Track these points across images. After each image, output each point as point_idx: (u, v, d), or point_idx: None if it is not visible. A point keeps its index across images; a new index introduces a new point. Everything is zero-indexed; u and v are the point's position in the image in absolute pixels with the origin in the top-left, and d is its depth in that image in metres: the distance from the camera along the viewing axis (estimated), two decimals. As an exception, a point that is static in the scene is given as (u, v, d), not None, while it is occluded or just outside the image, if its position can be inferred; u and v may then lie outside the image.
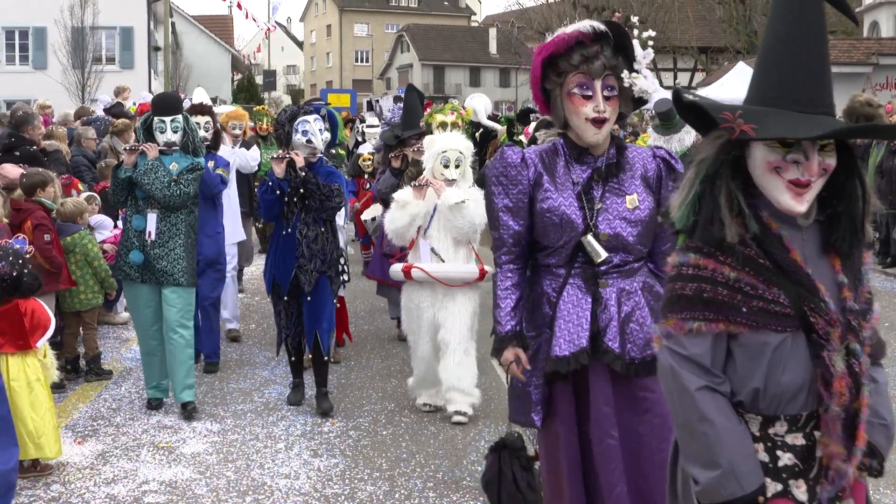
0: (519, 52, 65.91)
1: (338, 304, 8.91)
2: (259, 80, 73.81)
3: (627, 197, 4.64)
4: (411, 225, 8.34)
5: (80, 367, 9.55)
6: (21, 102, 15.45)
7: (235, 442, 7.73)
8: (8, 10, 43.60)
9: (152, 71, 46.79)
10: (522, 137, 10.50)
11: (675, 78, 55.75)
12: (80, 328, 9.62)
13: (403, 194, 8.43)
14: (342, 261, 8.69)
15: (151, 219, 8.23)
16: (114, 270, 8.79)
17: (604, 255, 4.56)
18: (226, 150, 11.06)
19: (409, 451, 7.54)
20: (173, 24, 49.09)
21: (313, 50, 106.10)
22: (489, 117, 14.73)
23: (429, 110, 9.87)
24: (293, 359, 8.73)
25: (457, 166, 8.34)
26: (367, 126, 15.90)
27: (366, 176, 14.00)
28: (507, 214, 4.64)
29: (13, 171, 9.30)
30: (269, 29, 61.92)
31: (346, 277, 8.78)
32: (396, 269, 8.42)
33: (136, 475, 7.01)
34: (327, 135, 8.54)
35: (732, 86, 32.06)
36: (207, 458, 7.37)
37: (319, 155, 8.44)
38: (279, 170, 8.17)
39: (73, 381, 9.34)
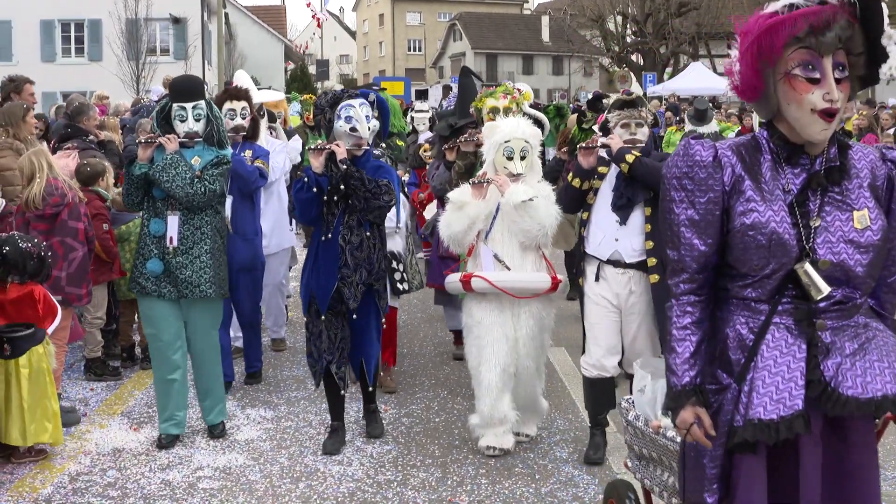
0: (571, 40, 65.83)
1: (384, 324, 7.64)
2: (312, 69, 73.99)
3: (855, 213, 3.55)
4: (470, 229, 7.18)
5: (135, 355, 9.62)
6: (76, 93, 15.65)
7: (289, 429, 7.77)
8: (63, 3, 44.32)
9: (206, 62, 47.08)
10: (596, 127, 9.51)
11: (730, 64, 55.26)
12: (136, 316, 9.69)
13: (460, 194, 7.27)
14: (401, 267, 7.86)
15: (172, 222, 7.17)
16: (130, 283, 7.53)
17: (826, 289, 3.50)
18: (275, 142, 9.97)
19: (461, 437, 7.55)
20: (226, 15, 49.32)
21: (366, 39, 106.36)
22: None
23: (480, 94, 9.17)
24: (343, 392, 7.35)
25: (522, 158, 7.15)
26: (416, 111, 15.69)
27: (427, 167, 13.58)
28: (691, 230, 3.62)
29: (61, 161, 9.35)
30: (318, 20, 62.16)
31: (404, 287, 7.98)
32: (453, 279, 7.31)
33: (191, 461, 7.07)
34: (375, 123, 7.24)
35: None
36: (261, 444, 7.41)
37: (366, 147, 7.22)
38: (317, 163, 7.00)
39: (128, 369, 9.42)
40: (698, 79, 41.11)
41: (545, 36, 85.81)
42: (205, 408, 7.61)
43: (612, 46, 61.41)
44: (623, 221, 6.81)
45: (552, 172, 11.08)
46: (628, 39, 61.40)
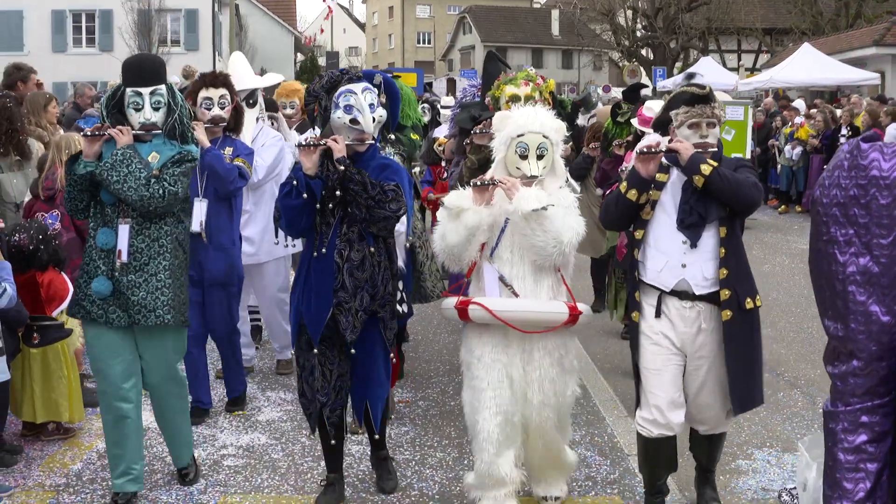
0: (581, 34, 65.81)
1: (394, 360, 6.39)
2: (322, 61, 74.13)
3: None
4: (470, 242, 5.70)
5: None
6: (82, 83, 15.90)
7: (309, 410, 7.95)
8: (76, -7, 44.55)
9: (217, 53, 47.28)
10: (635, 121, 8.85)
11: (740, 59, 55.43)
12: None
13: (457, 198, 5.76)
14: (399, 285, 6.44)
15: (123, 232, 5.87)
16: (70, 306, 6.22)
17: None
18: (270, 134, 8.78)
19: (476, 420, 7.72)
20: (237, 6, 49.52)
21: (375, 31, 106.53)
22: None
23: (497, 81, 8.11)
24: (333, 442, 6.18)
25: (539, 157, 5.73)
26: (442, 107, 15.57)
27: (443, 163, 12.01)
28: (864, 290, 2.32)
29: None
30: (330, 10, 62.87)
31: (403, 309, 6.71)
32: (448, 305, 5.88)
33: (215, 440, 7.28)
34: (382, 112, 6.05)
35: (798, 67, 32.12)
36: (282, 425, 7.60)
37: (370, 142, 5.98)
38: (309, 163, 5.75)
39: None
40: (708, 74, 41.21)
41: (555, 30, 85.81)
42: (174, 448, 6.52)
43: (622, 41, 61.50)
44: (693, 244, 5.56)
45: (578, 170, 10.36)
46: (638, 34, 61.46)
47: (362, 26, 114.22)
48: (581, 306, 5.76)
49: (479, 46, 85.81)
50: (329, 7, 63.32)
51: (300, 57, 71.90)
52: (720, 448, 6.07)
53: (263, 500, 6.28)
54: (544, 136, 5.76)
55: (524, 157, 5.73)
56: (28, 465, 6.77)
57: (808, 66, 32.04)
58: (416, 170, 10.43)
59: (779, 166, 23.09)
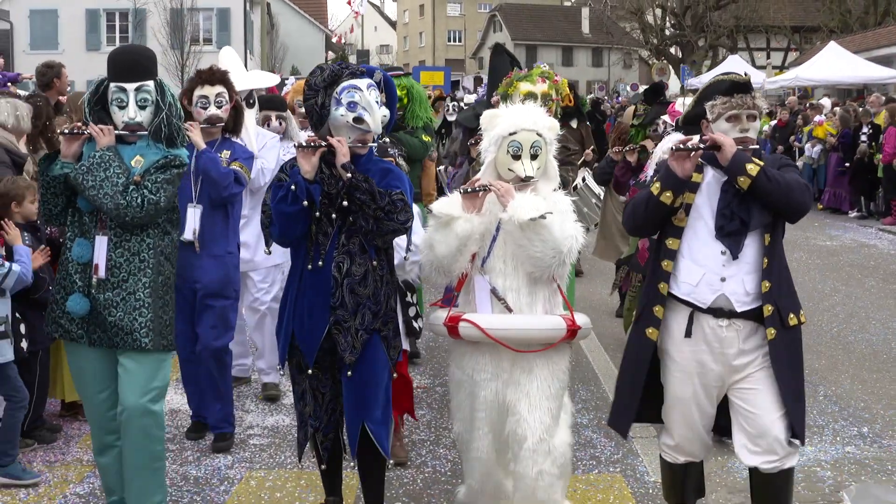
0: (611, 32, 66.02)
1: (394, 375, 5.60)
2: (353, 59, 74.61)
3: None
4: (460, 252, 5.22)
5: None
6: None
7: (331, 395, 8.33)
8: (109, -8, 45.18)
9: (248, 52, 47.82)
10: (667, 118, 8.63)
11: (768, 57, 55.51)
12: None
13: (447, 205, 5.27)
14: (415, 299, 6.12)
15: (100, 245, 5.23)
16: (48, 323, 5.45)
17: None
18: (267, 135, 8.29)
19: (490, 404, 8.08)
20: (268, 5, 50.09)
21: (406, 30, 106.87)
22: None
23: (507, 79, 7.73)
24: (324, 466, 5.64)
25: (533, 157, 5.26)
26: (465, 105, 15.58)
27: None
28: None
29: None
30: (356, 13, 63.80)
31: (420, 324, 6.43)
32: (438, 319, 5.42)
33: (242, 421, 7.69)
34: (385, 111, 5.49)
35: (824, 66, 32.30)
36: (305, 407, 7.99)
37: (371, 143, 5.37)
38: (308, 165, 5.10)
39: (181, 341, 10.00)
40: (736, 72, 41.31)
41: (585, 28, 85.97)
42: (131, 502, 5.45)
43: (651, 39, 61.69)
44: (735, 254, 4.96)
45: (602, 175, 10.17)
46: (667, 32, 61.65)
47: (393, 24, 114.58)
48: (580, 319, 5.32)
49: (509, 45, 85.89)
50: (355, 11, 64.03)
51: (331, 55, 72.38)
52: (791, 491, 5.19)
53: (286, 475, 6.69)
54: (538, 135, 5.28)
55: (517, 157, 5.25)
56: (67, 443, 7.23)
57: (834, 64, 32.23)
58: (440, 168, 10.55)
59: (800, 164, 23.35)
